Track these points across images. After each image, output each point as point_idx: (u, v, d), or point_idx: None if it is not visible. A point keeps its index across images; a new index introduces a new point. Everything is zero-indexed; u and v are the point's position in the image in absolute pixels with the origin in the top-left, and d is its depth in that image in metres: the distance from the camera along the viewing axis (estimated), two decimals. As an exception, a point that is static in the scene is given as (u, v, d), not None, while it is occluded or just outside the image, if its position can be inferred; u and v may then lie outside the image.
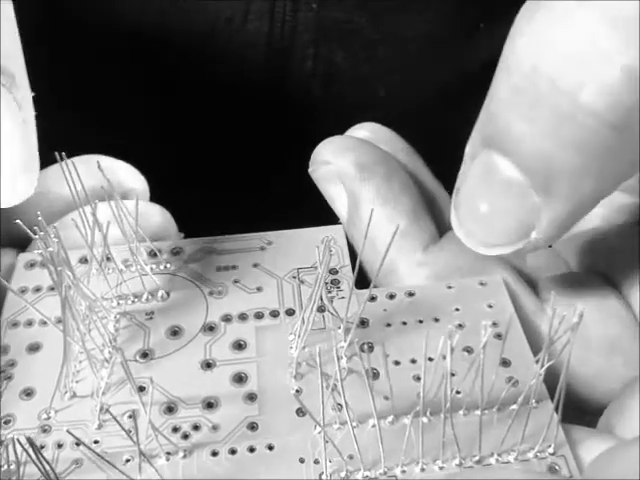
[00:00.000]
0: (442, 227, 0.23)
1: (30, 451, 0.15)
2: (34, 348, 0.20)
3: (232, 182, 0.33)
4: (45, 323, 0.20)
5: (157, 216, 0.23)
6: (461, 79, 0.33)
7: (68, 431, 0.16)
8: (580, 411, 0.21)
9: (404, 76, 0.32)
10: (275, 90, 0.32)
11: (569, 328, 0.16)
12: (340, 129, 0.31)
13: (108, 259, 0.21)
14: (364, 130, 0.25)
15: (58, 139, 0.20)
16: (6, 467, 0.17)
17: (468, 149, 0.18)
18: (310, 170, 0.23)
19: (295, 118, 0.33)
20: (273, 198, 0.33)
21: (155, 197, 0.24)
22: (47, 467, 0.15)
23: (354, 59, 0.32)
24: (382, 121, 0.31)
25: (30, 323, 0.21)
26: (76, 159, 0.20)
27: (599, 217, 0.24)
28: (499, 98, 0.17)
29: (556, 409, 0.17)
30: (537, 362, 0.17)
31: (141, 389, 0.19)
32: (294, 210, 0.23)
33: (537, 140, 0.16)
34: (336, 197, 0.23)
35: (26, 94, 0.17)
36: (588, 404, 0.21)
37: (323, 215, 0.23)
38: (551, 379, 0.18)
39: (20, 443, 0.15)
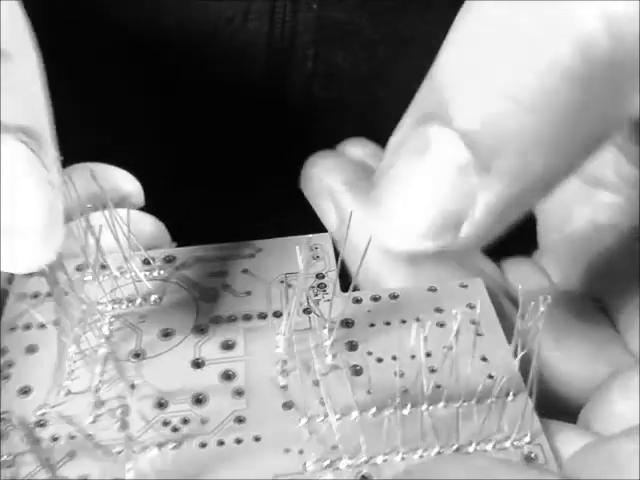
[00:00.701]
0: None
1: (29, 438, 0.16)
2: (31, 350, 0.21)
3: (232, 182, 0.34)
4: (42, 326, 0.21)
5: (151, 226, 0.24)
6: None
7: (65, 418, 0.16)
8: (560, 412, 0.21)
9: (404, 76, 0.31)
10: (275, 90, 0.32)
11: (537, 318, 0.17)
12: (340, 129, 0.31)
13: (104, 267, 0.22)
14: (353, 146, 0.26)
15: (58, 139, 0.21)
16: (5, 458, 0.18)
17: (392, 140, 0.16)
18: (301, 186, 0.24)
19: (295, 118, 0.33)
20: (273, 198, 0.33)
21: (155, 197, 0.24)
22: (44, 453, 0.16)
23: (354, 59, 0.32)
24: (382, 121, 0.31)
25: (28, 327, 0.21)
26: (71, 168, 0.21)
27: (584, 217, 0.23)
28: (444, 63, 0.15)
29: (530, 394, 0.18)
30: (511, 352, 0.18)
31: (133, 387, 0.20)
32: (294, 210, 0.24)
33: (486, 100, 0.14)
34: (326, 212, 0.24)
35: (54, 156, 0.17)
36: (567, 404, 0.21)
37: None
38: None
39: (19, 430, 0.16)
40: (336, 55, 0.32)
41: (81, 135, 0.23)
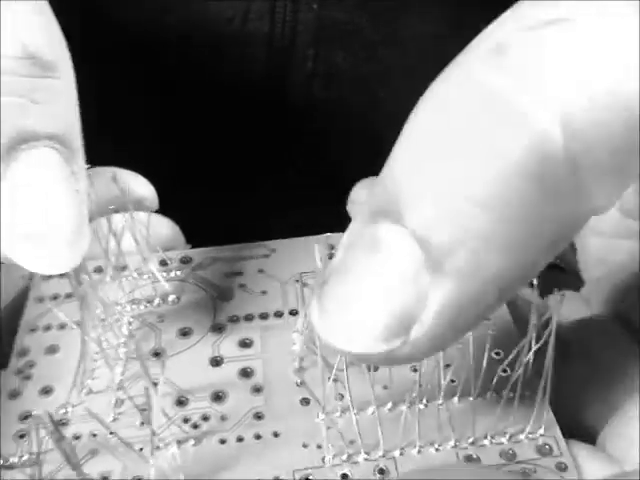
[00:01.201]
0: None
1: (54, 434, 0.16)
2: (52, 350, 0.21)
3: (232, 182, 0.34)
4: (62, 327, 0.22)
5: (167, 228, 0.24)
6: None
7: (89, 412, 0.17)
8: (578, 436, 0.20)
9: (404, 76, 0.32)
10: (275, 90, 0.32)
11: (551, 314, 0.17)
12: (340, 129, 0.32)
13: (122, 268, 0.23)
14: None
15: None
16: (27, 457, 0.18)
17: (344, 238, 0.15)
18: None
19: (295, 118, 0.33)
20: (273, 198, 0.34)
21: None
22: (68, 449, 0.16)
23: (354, 59, 0.32)
24: (382, 121, 0.31)
25: (48, 327, 0.22)
26: (89, 171, 0.21)
27: (625, 251, 0.23)
28: (398, 159, 0.14)
29: (544, 391, 0.18)
30: (523, 348, 0.18)
31: (154, 384, 0.20)
32: (293, 210, 0.24)
33: (438, 197, 0.13)
34: None
35: (82, 165, 0.18)
36: (586, 428, 0.20)
37: (323, 214, 0.24)
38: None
39: (45, 425, 0.16)
40: (336, 55, 0.32)
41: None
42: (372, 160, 0.26)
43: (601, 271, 0.23)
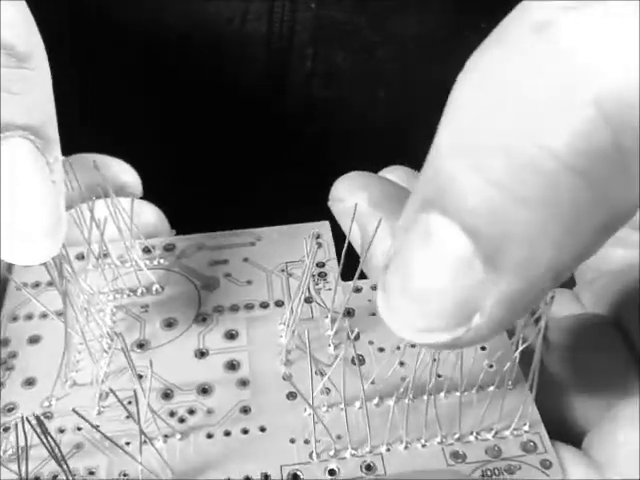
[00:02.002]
0: None
1: (38, 430, 0.16)
2: (34, 340, 0.21)
3: (231, 181, 0.34)
4: (44, 316, 0.21)
5: (150, 214, 0.24)
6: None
7: (73, 410, 0.17)
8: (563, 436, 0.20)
9: (404, 76, 0.33)
10: (274, 90, 0.33)
11: (541, 312, 0.17)
12: (340, 129, 0.32)
13: (105, 255, 0.22)
14: (391, 175, 0.25)
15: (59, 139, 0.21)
16: (11, 451, 0.18)
17: (401, 221, 0.15)
18: (329, 204, 0.24)
19: (294, 118, 0.33)
20: (272, 197, 0.33)
21: (155, 196, 0.24)
22: (53, 444, 0.16)
23: (354, 59, 0.32)
24: (381, 121, 0.31)
25: (30, 317, 0.21)
26: (70, 158, 0.21)
27: (619, 258, 0.23)
28: (441, 146, 0.14)
29: (530, 389, 0.18)
30: (512, 345, 0.19)
31: (139, 377, 0.20)
32: (293, 210, 0.24)
33: (485, 193, 0.13)
34: (351, 231, 0.24)
35: (58, 156, 0.17)
36: (573, 430, 0.20)
37: (321, 214, 0.24)
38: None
39: (29, 422, 0.16)
40: (335, 55, 0.32)
41: (81, 135, 0.23)
42: (372, 159, 0.26)
43: (593, 276, 0.24)
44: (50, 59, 0.18)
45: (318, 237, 0.23)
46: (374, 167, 0.25)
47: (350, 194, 0.23)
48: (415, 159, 0.25)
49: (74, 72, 0.32)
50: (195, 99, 0.33)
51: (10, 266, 0.23)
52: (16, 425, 0.16)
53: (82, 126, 0.32)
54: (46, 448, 0.16)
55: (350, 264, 0.22)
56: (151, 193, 0.25)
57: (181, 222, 0.24)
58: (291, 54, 0.32)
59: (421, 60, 0.32)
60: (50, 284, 0.22)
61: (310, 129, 0.33)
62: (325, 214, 0.24)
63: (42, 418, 0.19)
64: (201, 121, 0.33)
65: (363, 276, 0.22)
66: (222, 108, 0.33)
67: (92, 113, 0.32)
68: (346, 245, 0.21)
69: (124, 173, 0.24)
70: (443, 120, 0.14)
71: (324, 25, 0.31)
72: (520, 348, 0.18)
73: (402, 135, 0.33)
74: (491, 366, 0.20)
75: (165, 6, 0.31)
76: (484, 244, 0.13)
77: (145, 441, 0.18)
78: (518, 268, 0.13)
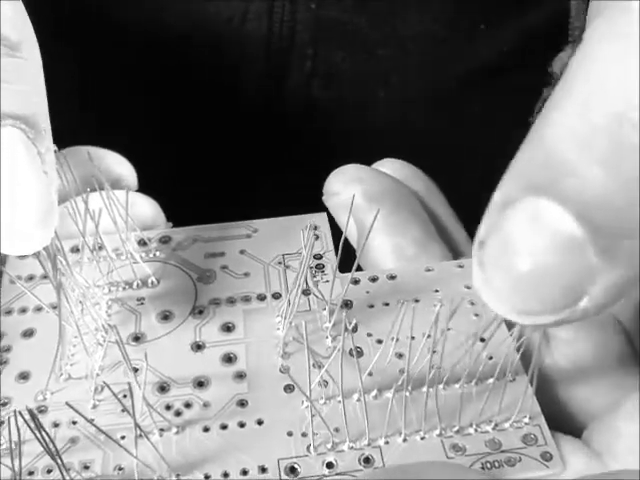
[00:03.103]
0: (455, 255, 0.23)
1: (32, 424, 0.16)
2: (28, 334, 0.21)
3: (231, 182, 0.34)
4: (39, 310, 0.21)
5: (146, 206, 0.24)
6: (461, 79, 0.34)
7: (67, 403, 0.16)
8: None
9: (404, 76, 0.33)
10: (275, 90, 0.33)
11: None
12: (340, 129, 0.32)
13: (100, 248, 0.22)
14: (385, 167, 0.25)
15: (57, 139, 0.21)
16: (5, 446, 0.18)
17: (498, 197, 0.15)
18: (323, 198, 0.24)
19: (294, 118, 0.33)
20: (272, 197, 0.33)
21: (154, 197, 0.24)
22: (47, 439, 0.16)
23: (354, 59, 0.32)
24: (381, 121, 0.31)
25: (24, 310, 0.21)
26: (65, 151, 0.21)
27: None
28: (561, 138, 0.14)
29: (530, 382, 0.18)
30: (511, 336, 0.18)
31: (135, 370, 0.20)
32: (293, 210, 0.24)
33: (609, 189, 0.13)
34: (347, 225, 0.23)
35: (49, 147, 0.17)
36: (572, 424, 0.20)
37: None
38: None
39: (22, 416, 0.16)
40: (335, 55, 0.32)
41: (81, 135, 0.23)
42: (371, 159, 0.26)
43: None
44: (51, 58, 0.18)
45: (315, 228, 0.23)
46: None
47: (345, 187, 0.23)
48: (415, 159, 0.25)
49: (75, 70, 0.32)
50: (195, 99, 0.33)
51: (4, 259, 0.23)
52: (9, 419, 0.16)
53: (82, 126, 0.32)
54: (40, 442, 0.16)
55: (347, 256, 0.21)
56: (151, 192, 0.25)
57: (181, 222, 0.24)
58: (291, 54, 0.32)
59: (421, 60, 0.32)
60: (44, 277, 0.22)
61: (310, 129, 0.33)
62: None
63: (36, 412, 0.19)
64: (201, 121, 0.33)
65: (360, 268, 0.22)
66: (222, 108, 0.33)
67: (92, 112, 0.32)
68: (343, 238, 0.21)
69: (119, 165, 0.24)
70: (560, 103, 0.14)
71: (324, 25, 0.31)
72: (521, 340, 0.18)
73: (402, 135, 0.33)
74: (490, 358, 0.19)
75: (165, 6, 0.31)
76: (600, 237, 0.13)
77: (141, 435, 0.17)
78: (632, 259, 0.13)
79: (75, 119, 0.32)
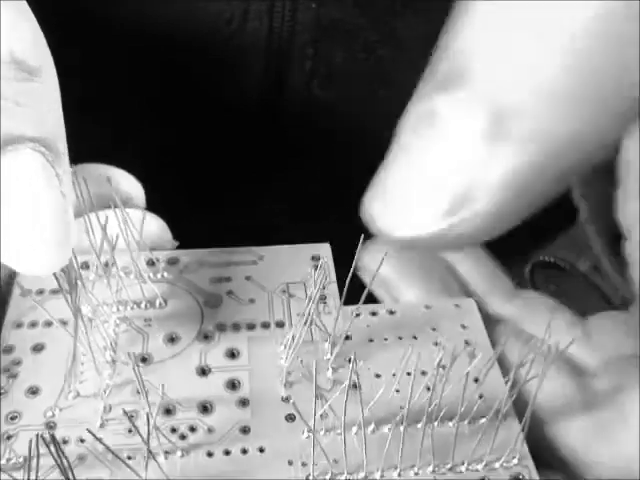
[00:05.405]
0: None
1: (52, 449, 0.16)
2: (38, 348, 0.21)
3: (231, 181, 0.34)
4: (49, 324, 0.22)
5: (154, 225, 0.24)
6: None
7: (88, 430, 0.17)
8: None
9: (404, 76, 0.33)
10: (275, 90, 0.33)
11: (538, 353, 0.18)
12: (340, 129, 0.32)
13: (106, 265, 0.23)
14: None
15: None
16: (15, 460, 0.18)
17: (404, 122, 0.15)
18: (358, 272, 0.24)
19: (294, 118, 0.33)
20: (272, 198, 0.34)
21: (154, 198, 0.25)
22: (66, 463, 0.17)
23: (354, 59, 0.32)
24: (381, 121, 0.31)
25: (34, 324, 0.22)
26: (76, 168, 0.21)
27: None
28: (462, 30, 0.15)
29: (522, 428, 0.19)
30: (506, 383, 0.19)
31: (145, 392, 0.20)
32: (293, 210, 0.24)
33: (508, 64, 0.13)
34: (382, 299, 0.24)
35: (66, 168, 0.18)
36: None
37: (321, 214, 0.24)
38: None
39: (44, 440, 0.16)
40: (335, 55, 0.32)
41: (81, 135, 0.23)
42: (372, 159, 0.26)
43: None
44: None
45: (318, 259, 0.24)
46: (374, 167, 0.26)
47: (376, 263, 0.24)
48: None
49: (74, 73, 0.32)
50: (195, 99, 0.33)
51: (14, 272, 0.23)
52: (30, 442, 0.17)
53: (82, 126, 0.32)
54: (59, 466, 0.17)
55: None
56: (150, 194, 0.25)
57: (180, 223, 0.24)
58: (291, 54, 0.32)
59: (421, 59, 0.32)
60: (54, 292, 0.22)
61: (310, 129, 0.33)
62: (325, 214, 0.24)
63: (45, 428, 0.19)
64: (200, 121, 0.33)
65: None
66: (222, 108, 0.33)
67: (92, 113, 0.32)
68: (350, 273, 0.21)
69: (127, 184, 0.24)
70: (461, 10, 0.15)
71: (324, 25, 0.31)
72: (516, 388, 0.19)
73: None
74: (481, 396, 0.20)
75: (165, 6, 0.31)
76: (499, 116, 0.13)
77: (145, 457, 0.18)
78: (527, 140, 0.13)
79: (75, 119, 0.32)
